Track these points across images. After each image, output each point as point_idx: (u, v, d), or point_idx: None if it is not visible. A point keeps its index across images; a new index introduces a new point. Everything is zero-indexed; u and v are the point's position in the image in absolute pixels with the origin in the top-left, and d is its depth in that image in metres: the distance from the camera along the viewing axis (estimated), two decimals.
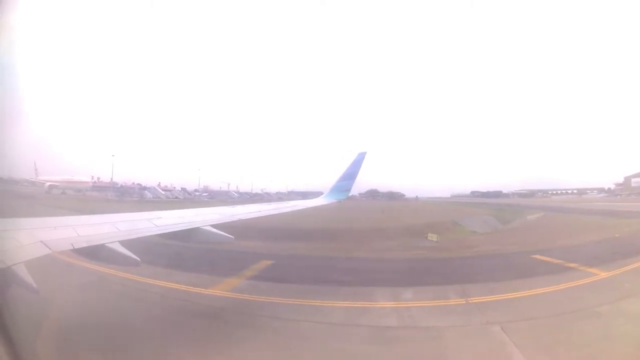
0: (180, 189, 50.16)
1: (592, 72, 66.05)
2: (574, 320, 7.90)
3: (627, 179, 47.58)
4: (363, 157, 15.47)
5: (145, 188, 46.68)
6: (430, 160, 68.82)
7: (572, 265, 12.75)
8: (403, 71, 73.05)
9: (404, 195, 55.23)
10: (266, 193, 52.10)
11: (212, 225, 7.80)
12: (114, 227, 6.07)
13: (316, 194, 18.33)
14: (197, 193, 50.63)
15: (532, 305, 8.93)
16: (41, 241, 4.64)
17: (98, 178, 46.46)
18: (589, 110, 62.37)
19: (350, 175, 15.65)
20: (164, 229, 6.86)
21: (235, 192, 52.24)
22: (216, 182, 53.95)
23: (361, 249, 16.87)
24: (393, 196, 55.44)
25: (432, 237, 18.74)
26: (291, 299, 9.44)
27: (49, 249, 4.65)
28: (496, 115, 68.05)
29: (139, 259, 5.90)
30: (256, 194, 51.83)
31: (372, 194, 56.51)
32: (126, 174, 45.69)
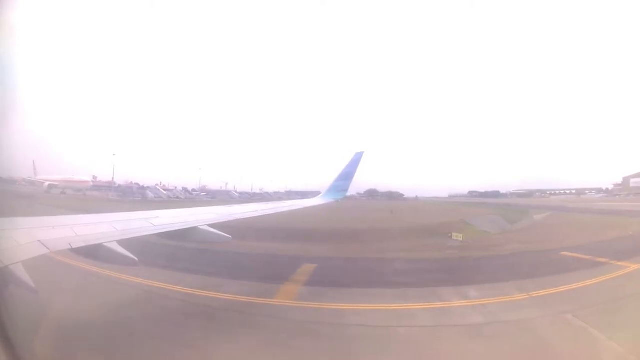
0: (181, 189, 50.06)
1: (590, 73, 66.17)
2: (630, 303, 9.01)
3: (626, 180, 47.73)
4: (360, 157, 15.48)
5: (147, 188, 46.48)
6: (427, 161, 69.06)
7: (601, 260, 13.55)
8: (401, 71, 73.08)
9: (403, 195, 55.30)
10: (266, 193, 52.16)
11: (210, 225, 7.86)
12: (111, 227, 6.09)
13: (315, 194, 18.41)
14: (196, 193, 50.55)
15: (588, 294, 9.77)
16: (39, 241, 4.66)
17: (95, 177, 46.33)
18: (588, 111, 62.53)
19: (347, 175, 15.67)
20: (161, 229, 6.89)
21: (235, 192, 52.22)
22: (216, 182, 54.02)
23: (390, 249, 16.94)
24: (392, 196, 55.50)
25: (458, 236, 18.79)
26: (373, 304, 9.26)
27: (47, 248, 4.68)
28: (494, 116, 68.20)
29: (136, 258, 5.95)
30: (256, 194, 51.90)
31: (372, 194, 56.57)
32: (125, 173, 45.57)
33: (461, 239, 18.42)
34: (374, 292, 10.34)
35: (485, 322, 8.10)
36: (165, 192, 46.92)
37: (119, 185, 46.29)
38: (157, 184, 48.10)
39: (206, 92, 72.05)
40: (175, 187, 49.83)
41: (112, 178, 44.89)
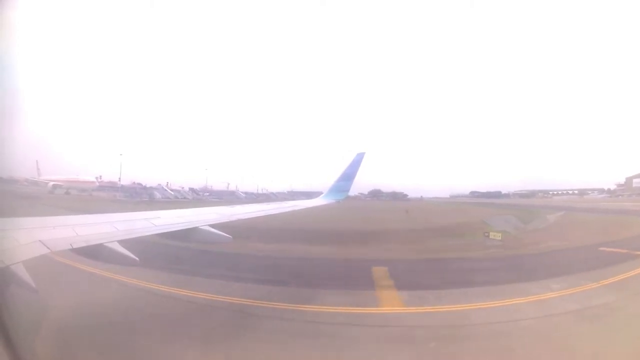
0: (188, 189, 49.79)
1: (591, 73, 65.78)
2: None
3: (629, 180, 47.50)
4: (362, 158, 15.45)
5: (154, 188, 46.08)
6: (428, 161, 68.78)
7: (638, 253, 14.47)
8: (402, 71, 72.91)
9: (407, 196, 55.13)
10: (272, 193, 51.93)
11: (212, 225, 7.85)
12: (112, 227, 6.08)
13: (319, 194, 18.38)
14: (204, 194, 50.23)
15: None
16: (40, 241, 4.66)
17: (100, 177, 45.72)
18: (589, 111, 62.11)
19: (349, 176, 15.63)
20: (162, 229, 6.88)
21: (242, 193, 52.05)
22: (218, 182, 53.81)
23: (436, 249, 17.03)
24: (396, 196, 55.34)
25: (496, 235, 18.97)
26: (484, 302, 9.38)
27: (48, 248, 4.68)
28: (495, 116, 67.83)
29: (137, 258, 5.95)
30: (261, 194, 51.67)
31: (376, 194, 56.43)
32: (125, 173, 45.22)
33: (499, 238, 18.60)
34: (468, 291, 10.41)
35: (583, 308, 8.95)
36: (172, 193, 46.64)
37: (122, 186, 45.94)
38: (162, 184, 47.63)
39: (209, 93, 72.09)
40: (182, 187, 49.57)
41: (119, 178, 44.35)
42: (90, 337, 6.14)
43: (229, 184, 53.46)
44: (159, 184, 47.39)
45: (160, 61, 68.49)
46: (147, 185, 46.53)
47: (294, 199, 17.31)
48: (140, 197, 42.53)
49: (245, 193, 51.82)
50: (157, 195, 44.29)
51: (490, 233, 19.17)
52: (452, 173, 64.05)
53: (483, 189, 57.00)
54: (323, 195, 16.11)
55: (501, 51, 64.87)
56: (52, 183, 41.68)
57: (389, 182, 57.24)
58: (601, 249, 15.92)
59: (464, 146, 67.60)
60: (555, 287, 10.67)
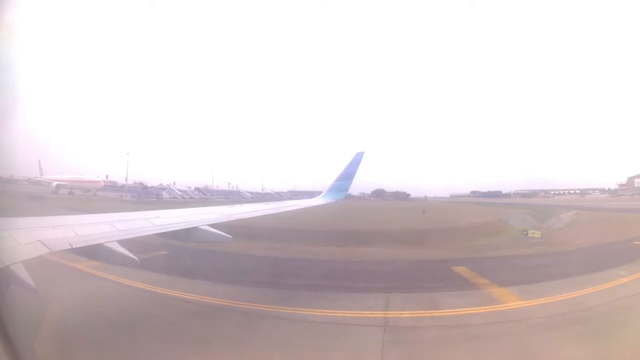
0: (194, 189, 49.59)
1: (593, 72, 65.49)
2: None
3: (631, 180, 47.40)
4: (361, 157, 15.42)
5: (162, 189, 45.56)
6: (429, 160, 68.66)
7: None
8: (403, 72, 72.74)
9: (409, 195, 55.07)
10: (276, 192, 51.86)
11: (211, 225, 7.86)
12: (112, 227, 6.11)
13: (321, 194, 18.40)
14: (211, 194, 50.01)
15: None
16: (39, 240, 4.68)
17: (107, 177, 45.17)
18: (590, 111, 61.87)
19: (348, 175, 15.61)
20: (162, 229, 6.91)
21: (247, 192, 51.98)
22: (223, 182, 53.77)
23: (477, 249, 17.08)
24: (399, 196, 55.29)
25: (535, 234, 19.23)
26: (583, 289, 9.77)
27: (48, 248, 4.70)
28: (496, 115, 67.64)
29: (137, 258, 5.97)
30: (267, 194, 51.55)
31: (379, 194, 56.39)
32: (128, 173, 45.09)
33: (539, 236, 18.80)
34: (556, 283, 10.55)
35: None
36: (180, 193, 46.37)
37: (123, 185, 45.73)
38: (170, 184, 47.25)
39: (212, 93, 72.17)
40: (189, 187, 49.41)
41: (126, 178, 43.77)
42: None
43: (230, 183, 53.53)
44: (167, 184, 47.04)
45: (164, 62, 68.61)
46: (150, 185, 46.29)
47: (298, 199, 17.37)
48: (148, 197, 42.06)
49: (251, 193, 51.77)
50: (165, 195, 43.97)
51: (529, 231, 19.45)
52: (452, 173, 64.03)
53: (483, 188, 56.95)
54: (322, 194, 16.10)
55: (502, 51, 64.69)
56: (55, 183, 41.18)
57: (390, 182, 57.32)
58: (635, 242, 16.67)
59: (464, 146, 67.51)
60: (623, 273, 11.38)
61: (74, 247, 5.07)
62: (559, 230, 22.23)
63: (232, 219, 8.89)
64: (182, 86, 70.36)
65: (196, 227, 7.47)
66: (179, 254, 12.32)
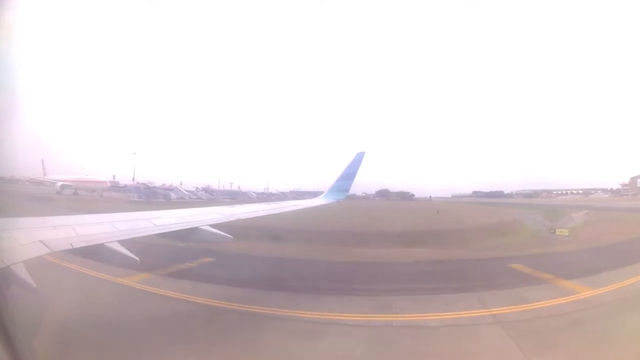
0: (201, 190, 49.48)
1: (593, 72, 65.23)
2: None
3: (634, 180, 47.25)
4: (361, 158, 15.37)
5: (170, 189, 45.18)
6: (431, 161, 68.58)
7: None
8: (405, 72, 72.65)
9: (413, 195, 55.01)
10: (281, 193, 51.83)
11: (212, 225, 7.85)
12: (113, 227, 6.11)
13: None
14: (217, 194, 49.86)
15: None
16: (40, 240, 4.68)
17: (114, 178, 44.79)
18: (592, 111, 61.62)
19: (349, 175, 15.56)
20: (163, 229, 6.91)
21: (253, 193, 52.00)
22: (228, 183, 53.77)
23: (510, 247, 17.48)
24: (404, 196, 55.26)
25: (563, 232, 19.65)
26: None
27: (48, 248, 4.70)
28: (497, 115, 67.50)
29: (137, 258, 5.96)
30: (272, 194, 51.54)
31: (384, 194, 56.39)
32: (131, 173, 45.01)
33: (567, 234, 19.30)
34: (613, 273, 11.24)
35: None
36: (187, 193, 46.19)
37: (125, 186, 45.56)
38: (177, 185, 46.94)
39: (215, 94, 72.24)
40: (196, 188, 49.29)
41: (133, 179, 43.39)
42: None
43: (232, 183, 53.54)
44: (175, 185, 46.75)
45: (166, 62, 68.75)
46: (152, 185, 46.04)
47: (303, 199, 17.48)
48: (156, 198, 41.60)
49: (256, 193, 51.78)
50: (173, 196, 43.66)
51: (557, 230, 19.92)
52: (453, 173, 63.90)
53: (484, 188, 56.82)
54: (323, 195, 16.06)
55: (504, 51, 64.54)
56: (60, 183, 40.39)
57: (391, 182, 57.35)
58: None
59: (465, 146, 67.43)
60: None
61: (75, 247, 5.08)
62: (577, 229, 22.07)
63: (232, 219, 8.89)
64: (185, 87, 70.59)
65: (197, 227, 7.47)
66: (229, 260, 12.59)
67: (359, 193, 50.85)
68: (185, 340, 6.69)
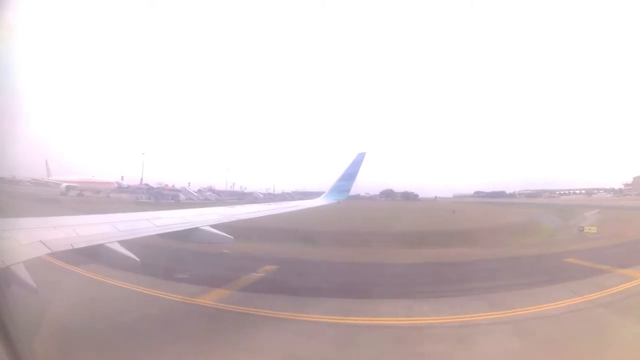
0: (209, 191, 49.44)
1: (595, 72, 64.83)
2: None
3: (637, 179, 47.02)
4: (362, 158, 15.33)
5: (179, 190, 44.54)
6: (433, 161, 68.41)
7: None
8: (406, 73, 72.57)
9: (418, 196, 54.96)
10: (287, 193, 51.77)
11: (212, 226, 7.86)
12: (113, 227, 6.13)
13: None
14: (225, 195, 49.78)
15: None
16: (40, 241, 4.70)
17: (122, 178, 44.16)
18: (592, 111, 61.28)
19: (349, 176, 15.51)
20: (163, 229, 6.93)
21: (260, 193, 52.03)
22: (233, 183, 53.81)
23: (544, 244, 18.28)
24: (408, 196, 55.23)
25: (591, 229, 20.17)
26: None
27: (49, 249, 4.71)
28: (499, 115, 67.32)
29: (138, 259, 5.97)
30: (278, 194, 51.53)
31: (389, 194, 56.37)
32: (135, 173, 44.80)
33: (595, 231, 19.89)
34: None
35: None
36: (195, 194, 46.07)
37: (128, 186, 45.35)
38: (185, 186, 46.67)
39: (219, 94, 72.36)
40: (204, 188, 49.24)
41: (142, 179, 42.79)
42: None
43: (233, 184, 53.58)
44: (183, 186, 46.50)
45: (168, 62, 68.96)
46: (155, 186, 45.83)
47: (309, 199, 17.63)
48: (165, 198, 40.94)
49: (263, 194, 51.83)
50: (182, 197, 43.36)
51: (585, 227, 20.60)
52: (454, 173, 63.71)
53: (485, 188, 56.68)
54: (324, 195, 16.01)
55: (507, 51, 64.32)
56: (65, 184, 39.59)
57: (392, 182, 57.12)
58: None
59: (465, 146, 67.22)
60: None
61: (75, 247, 5.09)
62: (598, 227, 22.34)
63: (233, 219, 8.90)
64: (190, 88, 70.67)
65: (197, 227, 7.48)
66: (294, 268, 12.60)
67: (361, 193, 50.82)
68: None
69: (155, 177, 45.97)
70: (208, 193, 48.57)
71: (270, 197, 48.27)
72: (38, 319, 5.35)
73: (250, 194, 51.18)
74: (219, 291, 9.62)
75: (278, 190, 52.57)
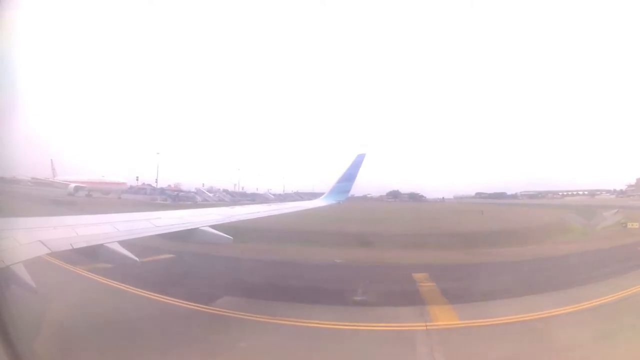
0: (222, 191, 49.64)
1: (597, 72, 64.27)
2: None
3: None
4: (362, 159, 15.27)
5: (194, 192, 44.75)
6: (432, 161, 68.15)
7: None
8: (406, 73, 72.33)
9: (423, 197, 54.95)
10: (296, 193, 52.06)
11: (212, 226, 7.88)
12: (113, 227, 6.15)
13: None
14: (235, 195, 50.00)
15: None
16: (40, 241, 4.72)
17: (137, 178, 42.94)
18: (593, 112, 60.78)
19: (349, 177, 15.46)
20: (163, 229, 6.95)
21: (271, 194, 52.29)
22: (225, 183, 53.84)
23: (599, 239, 19.06)
24: (415, 197, 55.28)
25: (634, 225, 20.95)
26: None
27: (48, 248, 4.73)
28: (499, 116, 66.81)
29: (137, 259, 5.99)
30: (288, 195, 51.84)
31: (396, 195, 56.46)
32: (141, 174, 44.43)
33: (638, 227, 20.69)
34: None
35: None
36: (210, 195, 46.17)
37: (131, 187, 45.10)
38: (200, 187, 46.78)
39: (223, 95, 72.17)
40: (219, 190, 49.52)
41: (156, 180, 42.23)
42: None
43: (235, 184, 53.71)
44: (197, 187, 46.51)
45: (169, 62, 69.02)
46: (159, 187, 45.56)
47: (315, 198, 17.70)
48: (182, 200, 40.62)
49: (274, 195, 52.14)
50: (198, 198, 43.11)
51: (628, 223, 21.42)
52: (455, 174, 63.41)
53: (486, 189, 56.50)
54: (324, 196, 15.97)
55: (509, 51, 63.97)
56: (73, 184, 38.41)
57: (392, 182, 57.04)
58: None
59: (467, 147, 66.89)
60: None
61: (74, 247, 5.11)
62: (618, 227, 22.96)
63: (232, 220, 8.91)
64: (191, 88, 70.62)
65: (197, 228, 7.50)
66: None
67: (369, 194, 51.01)
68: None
69: (166, 178, 45.62)
70: (222, 194, 48.89)
71: (280, 198, 48.50)
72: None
73: (262, 195, 51.51)
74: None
75: (287, 191, 52.88)
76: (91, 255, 5.62)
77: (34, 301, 4.84)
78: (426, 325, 7.65)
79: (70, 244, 5.10)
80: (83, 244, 5.27)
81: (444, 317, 8.31)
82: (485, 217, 30.99)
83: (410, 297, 9.71)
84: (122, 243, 5.91)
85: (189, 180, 47.13)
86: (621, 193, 48.61)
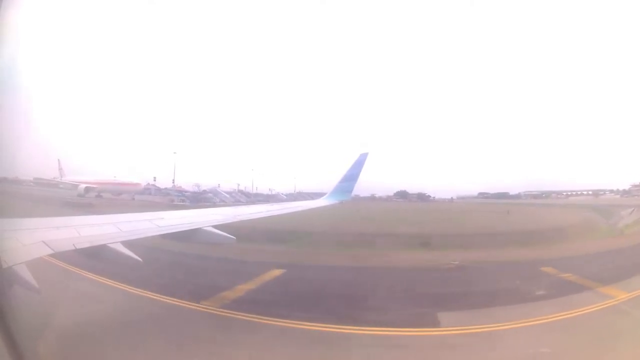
0: (238, 192, 49.81)
1: (600, 72, 63.66)
2: None
3: None
4: (365, 159, 15.14)
5: (210, 192, 45.12)
6: (433, 161, 67.74)
7: None
8: (411, 73, 72.05)
9: (430, 197, 54.85)
10: (307, 193, 52.28)
11: (215, 226, 7.84)
12: (116, 228, 6.14)
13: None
14: (250, 196, 50.26)
15: None
16: (43, 241, 4.71)
17: (155, 178, 41.60)
18: (596, 112, 60.17)
19: (352, 177, 15.36)
20: (166, 230, 6.93)
21: (283, 194, 52.50)
22: (238, 184, 54.04)
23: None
24: (423, 197, 55.26)
25: None
26: None
27: (51, 249, 4.72)
28: (502, 116, 66.18)
29: (140, 259, 5.97)
30: (299, 194, 52.16)
31: (404, 195, 56.46)
32: (146, 174, 44.24)
33: None
34: None
35: None
36: (227, 195, 46.32)
37: (135, 186, 44.94)
38: (216, 187, 46.88)
39: (227, 95, 72.06)
40: (234, 191, 49.83)
41: (173, 180, 41.09)
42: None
43: (238, 184, 53.80)
44: (213, 187, 46.67)
45: (171, 62, 69.15)
46: (163, 187, 45.31)
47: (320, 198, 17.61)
48: (201, 201, 39.09)
49: (286, 194, 52.37)
50: (217, 199, 43.32)
51: None
52: (457, 173, 62.95)
53: (488, 189, 56.10)
54: (326, 196, 15.91)
55: (510, 50, 63.54)
56: (84, 185, 37.10)
57: (398, 183, 56.86)
58: None
59: (469, 147, 66.50)
60: None
61: (77, 248, 5.10)
62: None
63: (236, 220, 8.88)
64: (202, 90, 70.05)
65: (200, 228, 7.47)
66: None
67: (368, 194, 51.10)
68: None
69: (181, 179, 45.15)
70: (238, 194, 49.08)
71: (292, 197, 48.70)
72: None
73: (274, 195, 51.81)
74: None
75: (298, 190, 53.19)
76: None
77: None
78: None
79: (73, 245, 5.09)
80: (86, 245, 5.26)
81: (616, 293, 9.53)
82: (515, 217, 30.26)
83: (571, 286, 10.42)
84: (125, 243, 5.89)
85: (204, 181, 46.94)
86: (626, 193, 48.21)
